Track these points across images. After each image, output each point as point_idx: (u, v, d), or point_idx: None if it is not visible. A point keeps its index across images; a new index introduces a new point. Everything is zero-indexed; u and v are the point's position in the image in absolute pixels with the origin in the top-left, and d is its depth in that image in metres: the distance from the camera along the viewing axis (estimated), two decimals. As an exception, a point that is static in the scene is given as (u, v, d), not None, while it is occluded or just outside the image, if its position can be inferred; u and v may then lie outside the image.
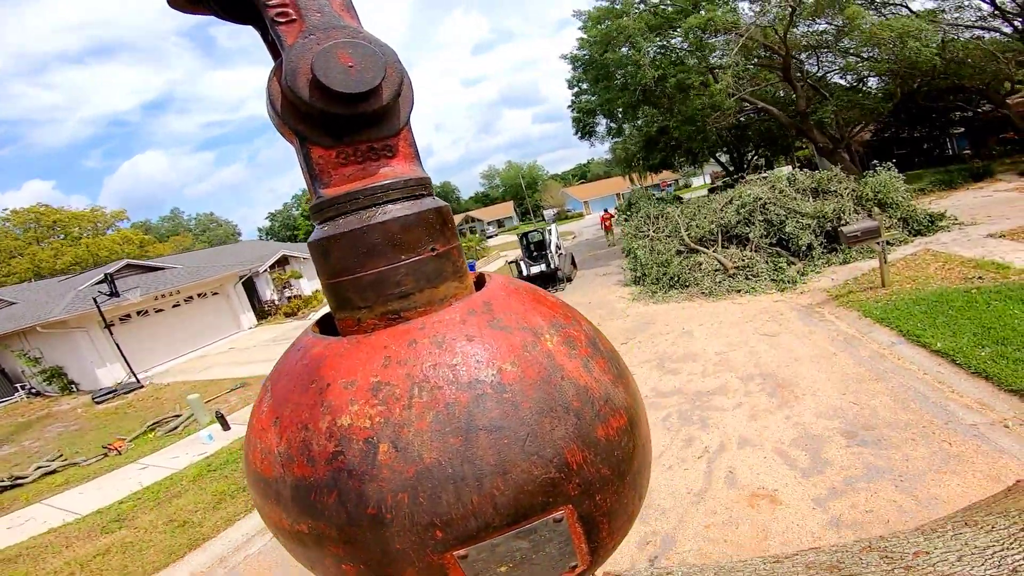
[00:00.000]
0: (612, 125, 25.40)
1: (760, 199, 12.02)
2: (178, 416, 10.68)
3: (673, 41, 20.10)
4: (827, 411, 5.29)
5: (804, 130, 19.09)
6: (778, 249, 11.37)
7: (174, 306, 19.55)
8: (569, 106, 25.09)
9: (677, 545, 3.98)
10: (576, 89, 24.21)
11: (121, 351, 15.60)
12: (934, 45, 13.94)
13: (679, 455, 5.17)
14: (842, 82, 21.52)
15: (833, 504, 4.00)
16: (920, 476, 4.06)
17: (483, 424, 0.77)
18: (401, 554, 0.77)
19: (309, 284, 25.95)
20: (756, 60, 19.34)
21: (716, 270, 11.36)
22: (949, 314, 6.57)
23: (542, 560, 0.81)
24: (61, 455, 9.80)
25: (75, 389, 16.89)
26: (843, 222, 10.91)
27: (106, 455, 9.26)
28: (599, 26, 19.14)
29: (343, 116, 0.86)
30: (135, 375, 15.60)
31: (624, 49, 18.67)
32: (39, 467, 9.08)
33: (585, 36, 20.56)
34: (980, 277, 7.70)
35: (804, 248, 11.02)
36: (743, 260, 11.23)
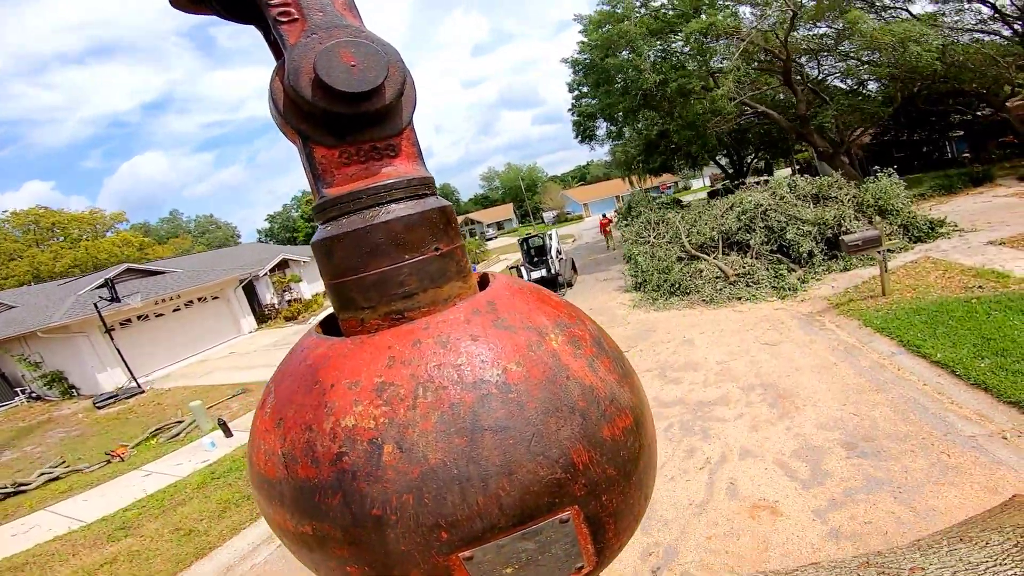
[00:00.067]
0: (612, 129, 25.38)
1: (761, 205, 12.04)
2: (180, 422, 10.69)
3: (674, 45, 20.12)
4: (827, 422, 5.33)
5: (804, 134, 19.13)
6: (779, 256, 11.38)
7: (174, 310, 19.53)
8: (569, 110, 25.12)
9: (679, 556, 4.02)
10: (576, 93, 24.21)
11: (122, 356, 15.57)
12: (934, 49, 13.97)
13: (681, 466, 5.20)
14: (842, 86, 21.57)
15: (833, 516, 4.04)
16: (919, 488, 4.10)
17: (488, 424, 0.77)
18: (406, 556, 0.76)
19: (309, 288, 25.93)
20: (756, 64, 19.38)
21: (717, 277, 11.38)
22: (949, 324, 6.61)
23: (548, 561, 0.80)
24: (64, 461, 9.78)
25: (76, 394, 16.83)
26: (844, 229, 10.95)
27: (109, 461, 9.28)
28: (600, 30, 19.14)
29: (346, 115, 0.86)
30: (136, 380, 15.57)
31: (625, 53, 18.67)
32: (42, 473, 9.07)
33: (586, 40, 20.55)
34: (980, 286, 7.73)
35: (805, 255, 11.04)
36: (744, 267, 11.25)
